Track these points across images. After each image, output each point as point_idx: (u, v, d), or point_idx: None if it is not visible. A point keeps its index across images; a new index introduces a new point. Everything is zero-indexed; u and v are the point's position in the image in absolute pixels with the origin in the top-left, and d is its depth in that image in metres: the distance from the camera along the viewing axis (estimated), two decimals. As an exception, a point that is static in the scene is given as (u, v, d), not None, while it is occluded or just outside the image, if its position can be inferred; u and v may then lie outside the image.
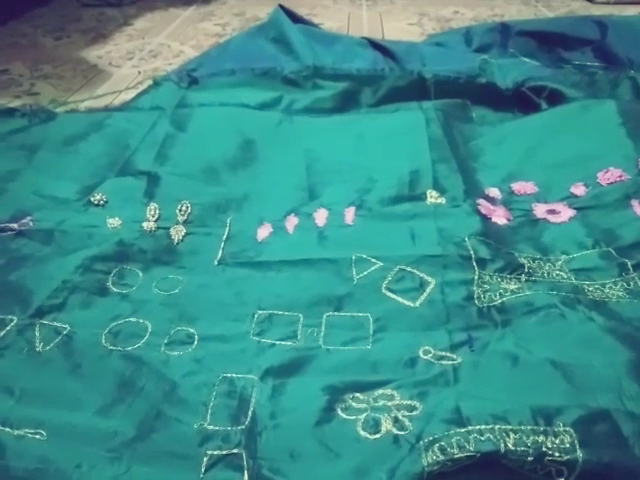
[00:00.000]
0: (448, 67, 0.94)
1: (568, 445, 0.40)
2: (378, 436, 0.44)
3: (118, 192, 0.73)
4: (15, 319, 0.56)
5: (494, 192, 0.72)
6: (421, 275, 0.58)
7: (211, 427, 0.46)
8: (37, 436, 0.45)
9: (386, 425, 0.44)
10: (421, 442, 0.42)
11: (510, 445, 0.40)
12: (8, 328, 0.55)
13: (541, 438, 0.40)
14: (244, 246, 0.66)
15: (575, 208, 0.68)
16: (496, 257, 0.59)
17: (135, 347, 0.54)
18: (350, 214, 0.69)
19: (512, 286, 0.56)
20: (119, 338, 0.55)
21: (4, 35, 1.50)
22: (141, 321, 0.57)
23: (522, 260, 0.60)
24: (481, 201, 0.69)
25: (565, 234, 0.65)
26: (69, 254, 0.64)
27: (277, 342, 0.54)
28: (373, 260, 0.61)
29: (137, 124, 0.86)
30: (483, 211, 0.67)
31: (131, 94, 1.05)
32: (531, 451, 0.40)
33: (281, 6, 1.12)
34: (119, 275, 0.62)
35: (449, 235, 0.62)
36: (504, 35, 1.09)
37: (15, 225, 0.68)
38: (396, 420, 0.45)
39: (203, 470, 0.43)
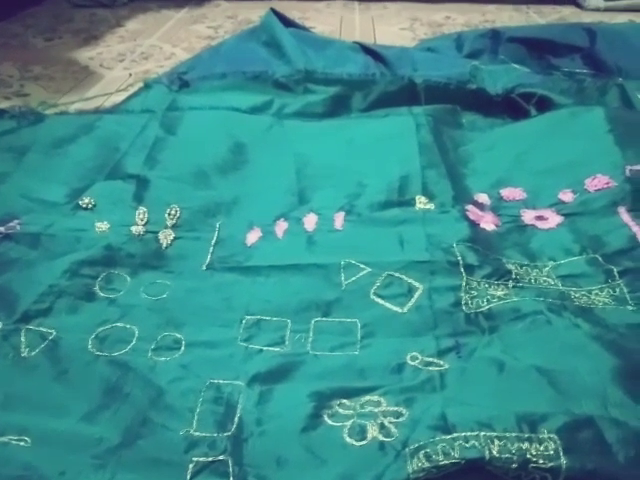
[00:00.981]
0: (439, 73, 0.95)
1: (552, 452, 0.40)
2: (364, 443, 0.44)
3: (107, 196, 0.73)
4: (0, 324, 0.55)
5: (483, 198, 0.73)
6: (409, 281, 0.59)
7: (197, 433, 0.46)
8: (21, 443, 0.45)
9: (372, 432, 0.45)
10: (407, 449, 0.42)
11: (495, 452, 0.40)
12: (-7, 333, 0.54)
13: (525, 445, 0.41)
14: (233, 251, 0.66)
15: (563, 214, 0.69)
16: (484, 263, 0.60)
17: (122, 353, 0.54)
18: (339, 219, 0.69)
19: (499, 292, 0.57)
20: (106, 343, 0.54)
21: (-6, 35, 1.49)
22: (128, 326, 0.57)
23: (509, 266, 0.61)
24: (470, 207, 0.69)
25: (553, 240, 0.65)
26: (56, 258, 0.63)
27: (265, 348, 0.54)
28: (362, 266, 0.61)
29: (127, 127, 0.86)
30: (471, 217, 0.67)
31: (122, 96, 1.05)
32: (515, 458, 0.40)
33: (273, 10, 1.12)
34: (106, 280, 0.62)
35: (437, 241, 0.62)
36: (495, 41, 1.10)
37: (2, 228, 0.68)
38: (382, 427, 0.45)
39: (189, 477, 0.43)
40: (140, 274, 0.63)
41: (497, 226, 0.68)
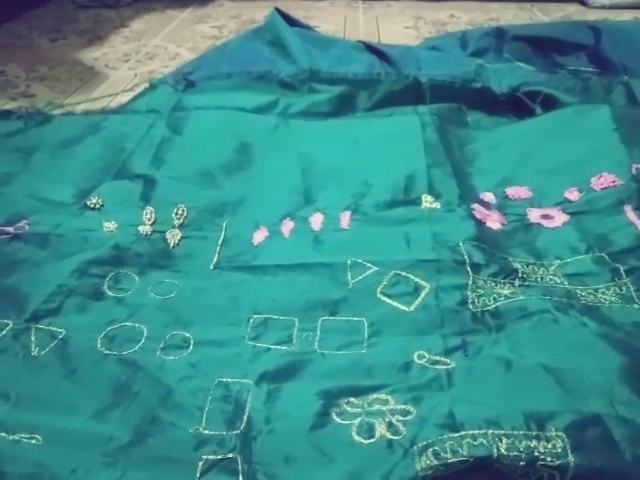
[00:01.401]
0: (443, 71, 0.95)
1: (560, 450, 0.40)
2: (372, 441, 0.44)
3: (114, 195, 0.73)
4: (11, 323, 0.56)
5: (489, 197, 0.73)
6: (416, 280, 0.59)
7: (206, 432, 0.46)
8: (32, 441, 0.45)
9: (380, 430, 0.45)
10: (415, 447, 0.42)
11: (503, 450, 0.40)
12: (4, 332, 0.55)
13: (533, 443, 0.41)
14: (240, 250, 0.66)
15: (569, 213, 0.69)
16: (490, 262, 0.60)
17: (131, 351, 0.54)
18: (345, 218, 0.69)
19: (506, 291, 0.57)
20: (115, 342, 0.55)
21: (0, 36, 1.50)
22: (137, 325, 0.57)
23: (516, 265, 0.61)
24: (476, 206, 0.69)
25: (559, 239, 0.65)
26: (65, 258, 0.64)
27: (272, 346, 0.54)
28: (368, 264, 0.61)
29: (133, 127, 0.87)
30: (478, 216, 0.67)
31: (127, 96, 1.05)
32: (523, 456, 0.40)
33: (277, 9, 1.13)
34: (115, 279, 0.62)
35: (444, 240, 0.63)
36: (499, 40, 1.10)
37: (11, 229, 0.68)
38: (390, 425, 0.45)
39: (198, 475, 0.43)
40: (148, 273, 0.63)
41: (503, 225, 0.68)
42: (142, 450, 0.45)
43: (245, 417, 0.47)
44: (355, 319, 0.56)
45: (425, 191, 0.71)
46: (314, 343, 0.54)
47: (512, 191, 0.73)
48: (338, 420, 0.46)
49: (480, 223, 0.66)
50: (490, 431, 0.42)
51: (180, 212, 0.71)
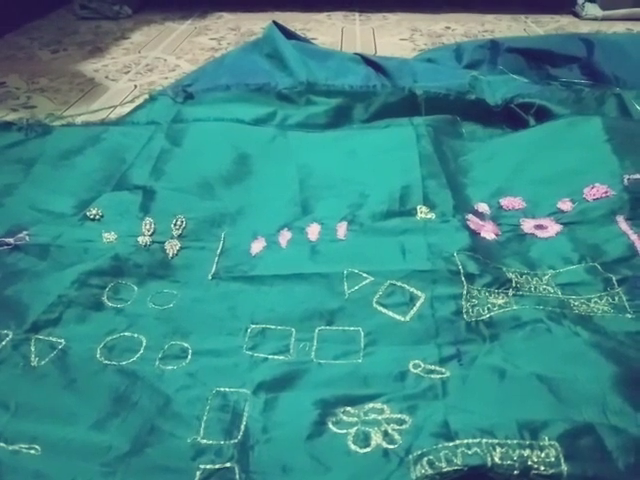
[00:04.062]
0: (439, 84, 0.96)
1: (553, 459, 0.41)
2: (368, 450, 0.45)
3: (114, 206, 0.74)
4: (10, 334, 0.56)
5: (483, 207, 0.74)
6: (411, 290, 0.60)
7: (204, 441, 0.47)
8: (32, 451, 0.45)
9: (376, 439, 0.45)
10: (410, 456, 0.43)
11: (497, 459, 0.41)
12: (3, 343, 0.55)
13: (527, 452, 0.41)
14: (238, 260, 0.67)
15: (562, 223, 0.70)
16: (484, 272, 0.60)
17: (130, 362, 0.54)
18: (342, 229, 0.70)
19: (500, 301, 0.58)
20: (114, 353, 0.55)
21: (1, 48, 1.51)
22: (136, 335, 0.58)
23: (510, 275, 0.61)
24: (470, 216, 0.70)
25: (552, 249, 0.66)
26: (65, 269, 0.64)
27: (270, 356, 0.55)
28: (364, 275, 0.62)
29: (133, 138, 0.88)
30: (472, 226, 0.68)
31: (127, 108, 1.07)
32: (517, 465, 0.40)
33: (275, 22, 1.14)
34: (114, 290, 0.63)
35: (438, 250, 0.63)
36: (493, 52, 1.12)
37: (11, 240, 0.69)
38: (386, 434, 0.45)
39: (196, 484, 0.44)
40: (147, 284, 0.64)
41: (497, 235, 0.69)
42: (141, 460, 0.45)
43: (242, 426, 0.48)
44: (351, 329, 0.57)
45: (420, 202, 0.72)
46: (311, 353, 0.55)
47: (506, 202, 0.74)
48: (334, 429, 0.47)
49: (474, 233, 0.67)
50: (484, 440, 0.42)
51: (179, 223, 0.72)
